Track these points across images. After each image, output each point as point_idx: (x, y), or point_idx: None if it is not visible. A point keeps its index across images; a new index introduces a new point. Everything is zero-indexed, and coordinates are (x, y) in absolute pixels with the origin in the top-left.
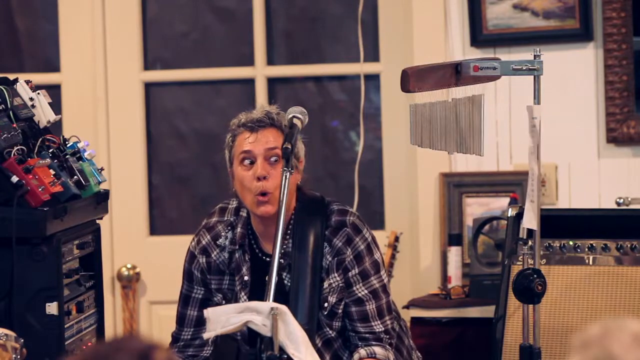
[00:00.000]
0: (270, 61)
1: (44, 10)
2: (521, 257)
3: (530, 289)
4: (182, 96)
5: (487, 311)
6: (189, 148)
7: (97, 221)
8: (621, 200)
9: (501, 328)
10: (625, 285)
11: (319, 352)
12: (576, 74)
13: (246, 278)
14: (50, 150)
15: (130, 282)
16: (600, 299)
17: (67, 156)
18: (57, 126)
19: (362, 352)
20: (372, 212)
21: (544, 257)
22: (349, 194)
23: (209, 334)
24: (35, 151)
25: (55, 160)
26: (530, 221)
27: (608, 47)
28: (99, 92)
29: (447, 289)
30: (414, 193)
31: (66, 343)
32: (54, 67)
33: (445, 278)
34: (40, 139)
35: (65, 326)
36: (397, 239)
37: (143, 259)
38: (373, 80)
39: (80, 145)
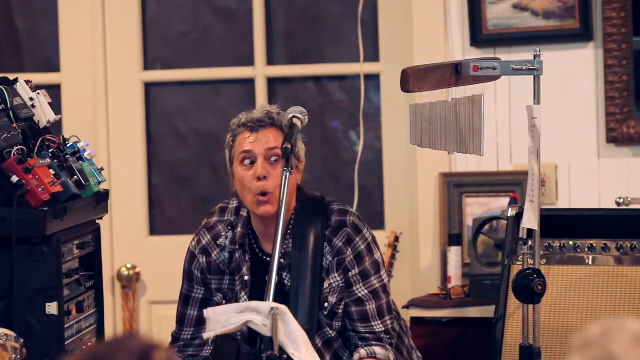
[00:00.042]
0: (270, 61)
1: (44, 10)
2: (521, 257)
3: (530, 289)
4: (182, 96)
5: (487, 311)
6: (189, 148)
7: (97, 221)
8: (621, 200)
9: (501, 328)
10: (625, 285)
11: (319, 352)
12: (576, 74)
13: (246, 278)
14: (50, 150)
15: (130, 282)
16: (600, 299)
17: (67, 156)
18: (57, 126)
19: (363, 352)
20: (372, 212)
21: (544, 257)
22: (349, 194)
23: (209, 334)
24: (35, 151)
25: (55, 160)
26: (530, 221)
27: (608, 47)
28: (99, 92)
29: (447, 289)
30: (414, 193)
31: (66, 343)
32: (54, 67)
33: (445, 278)
34: (40, 139)
35: (65, 326)
36: (397, 239)
37: (143, 259)
38: (373, 80)
39: (80, 145)
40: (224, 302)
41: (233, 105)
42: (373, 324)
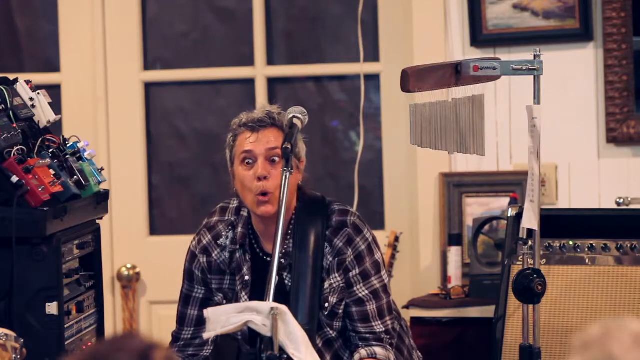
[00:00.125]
0: (270, 61)
1: (44, 10)
2: (521, 257)
3: (530, 289)
4: (182, 96)
5: (487, 311)
6: (189, 148)
7: (97, 221)
8: (621, 200)
9: (501, 328)
10: (625, 285)
11: (319, 352)
12: (576, 74)
13: (247, 278)
14: (50, 150)
15: (130, 282)
16: (600, 299)
17: (67, 156)
18: (57, 126)
19: (363, 352)
20: (372, 212)
21: (544, 257)
22: (349, 194)
23: (209, 334)
24: (35, 151)
25: (55, 160)
26: (530, 221)
27: (608, 47)
28: (99, 92)
29: (447, 289)
30: (414, 193)
31: (66, 343)
32: (54, 67)
33: (445, 278)
34: (40, 139)
35: (65, 326)
36: (397, 239)
37: (143, 259)
38: (373, 80)
39: (80, 145)
40: (224, 302)
41: (233, 105)
42: (373, 324)
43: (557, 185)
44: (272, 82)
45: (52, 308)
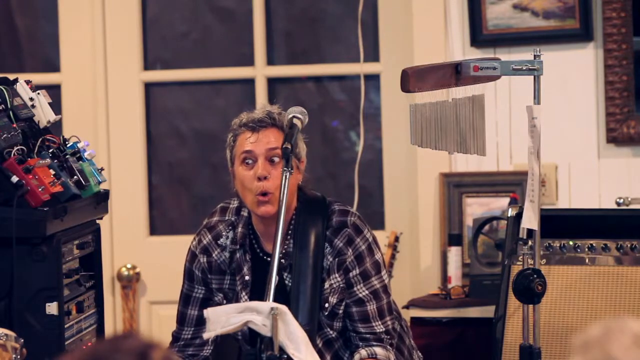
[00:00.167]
0: (270, 61)
1: (44, 10)
2: (521, 257)
3: (530, 289)
4: (182, 96)
5: (487, 311)
6: (189, 148)
7: (97, 221)
8: (621, 200)
9: (501, 328)
10: (625, 285)
11: (319, 352)
12: (576, 74)
13: (247, 278)
14: (50, 150)
15: (130, 282)
16: (600, 299)
17: (67, 156)
18: (57, 126)
19: (363, 352)
20: (372, 212)
21: (544, 257)
22: (349, 194)
23: (209, 334)
24: (35, 151)
25: (55, 160)
26: (530, 221)
27: (608, 47)
28: (99, 92)
29: (447, 289)
30: (414, 193)
31: (66, 343)
32: (54, 67)
33: (445, 278)
34: (40, 139)
35: (65, 326)
36: (397, 239)
37: (143, 259)
38: (373, 80)
39: (80, 145)
40: (224, 302)
41: (233, 105)
42: (374, 324)
43: (557, 185)
44: (272, 82)
45: (52, 308)
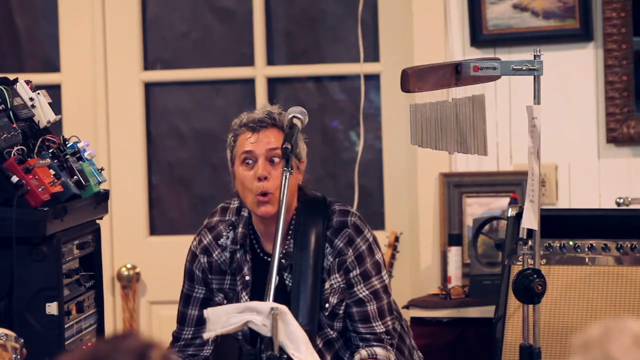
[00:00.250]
0: (270, 61)
1: (44, 10)
2: (521, 257)
3: (530, 289)
4: (182, 96)
5: (487, 311)
6: (189, 148)
7: (97, 221)
8: (621, 200)
9: (501, 328)
10: (625, 285)
11: (320, 352)
12: (576, 74)
13: (247, 278)
14: (50, 150)
15: (130, 282)
16: (600, 299)
17: (67, 156)
18: (57, 126)
19: (363, 352)
20: (372, 212)
21: (544, 257)
22: (349, 194)
23: (209, 334)
24: (35, 151)
25: (55, 160)
26: (530, 221)
27: (608, 47)
28: (99, 92)
29: (447, 289)
30: (414, 193)
31: (66, 343)
32: (54, 67)
33: (445, 278)
34: (40, 139)
35: (65, 326)
36: (397, 239)
37: (143, 259)
38: (373, 80)
39: (80, 145)
40: (225, 302)
41: (233, 105)
42: (374, 324)
43: (557, 185)
44: (272, 82)
45: (52, 308)
